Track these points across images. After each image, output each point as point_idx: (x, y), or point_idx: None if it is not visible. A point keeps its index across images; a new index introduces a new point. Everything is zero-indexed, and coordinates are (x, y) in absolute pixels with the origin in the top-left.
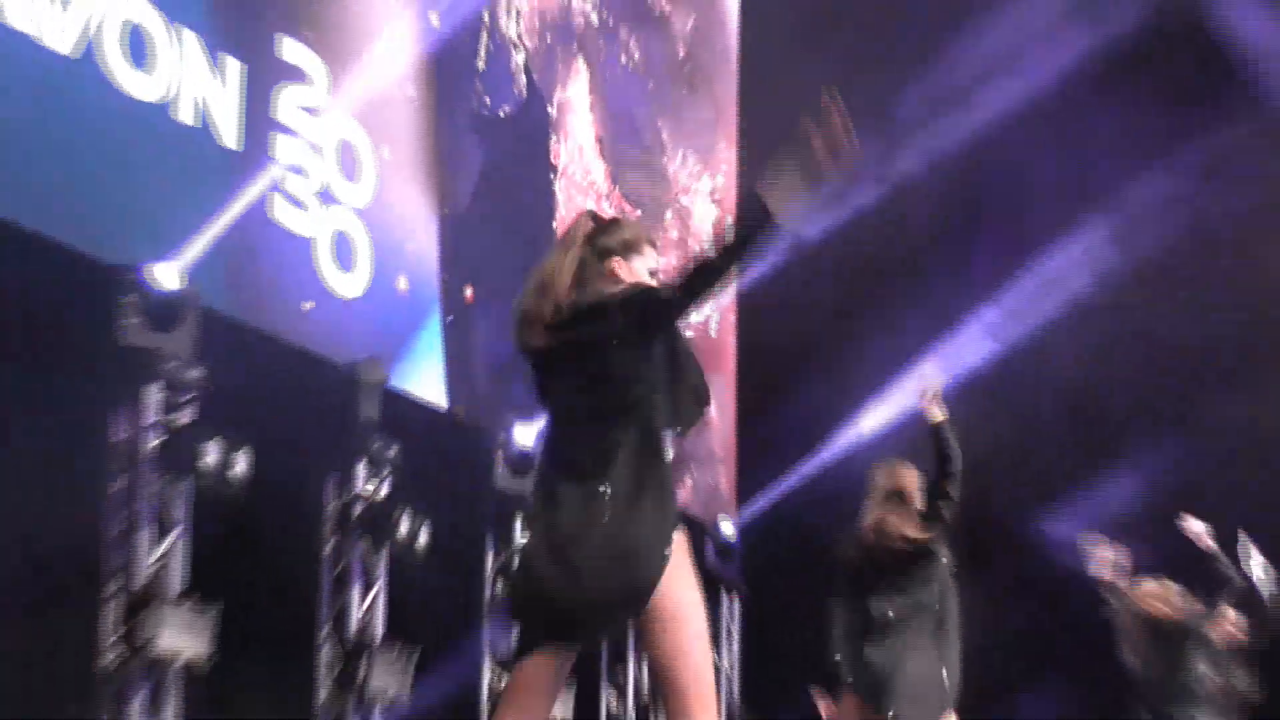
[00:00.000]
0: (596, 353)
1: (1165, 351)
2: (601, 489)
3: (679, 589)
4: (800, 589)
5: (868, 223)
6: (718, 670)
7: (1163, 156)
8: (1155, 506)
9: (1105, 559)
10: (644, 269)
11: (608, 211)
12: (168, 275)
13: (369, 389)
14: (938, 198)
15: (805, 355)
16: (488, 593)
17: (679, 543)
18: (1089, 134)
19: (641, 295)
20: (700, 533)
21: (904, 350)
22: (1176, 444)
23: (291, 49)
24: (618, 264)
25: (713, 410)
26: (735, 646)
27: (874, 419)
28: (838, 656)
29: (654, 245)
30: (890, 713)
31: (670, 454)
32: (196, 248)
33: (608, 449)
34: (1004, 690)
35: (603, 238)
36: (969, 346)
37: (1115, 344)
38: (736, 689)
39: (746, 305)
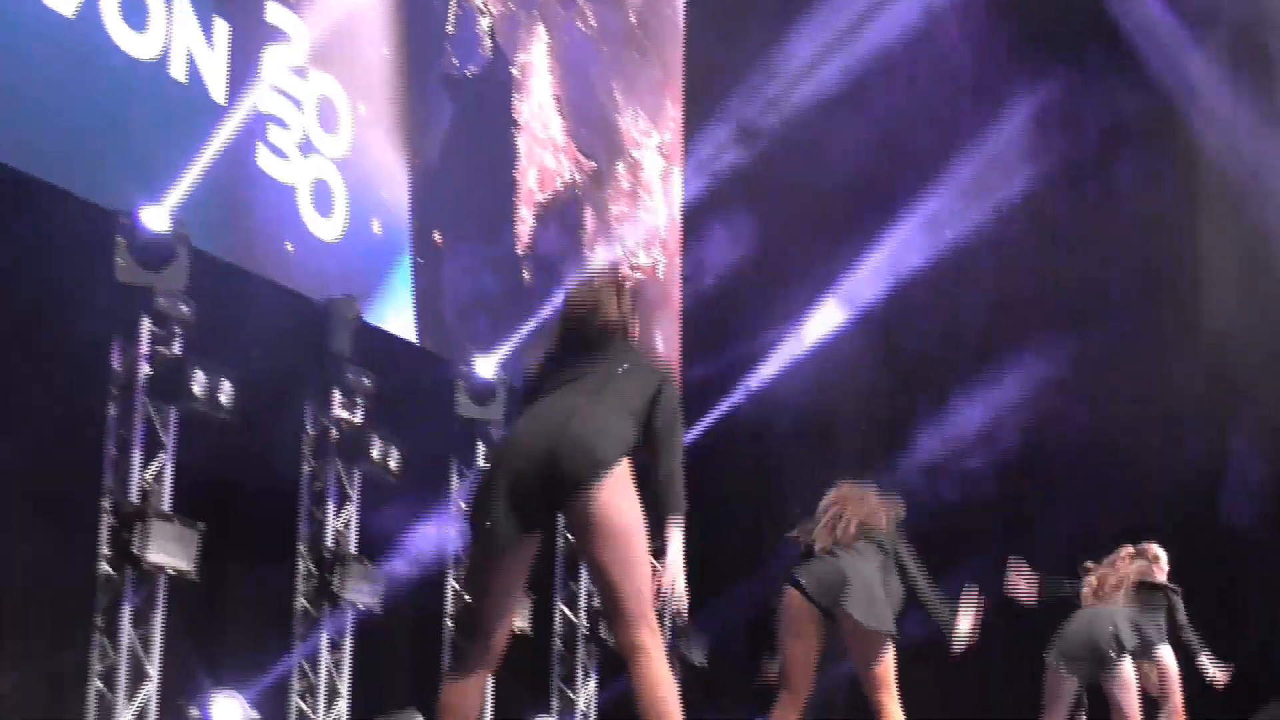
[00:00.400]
0: None
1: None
2: (578, 384)
3: (625, 510)
4: (737, 509)
5: (804, 163)
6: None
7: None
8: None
9: (1018, 584)
10: None
11: (563, 163)
12: (159, 218)
13: (344, 324)
14: (861, 141)
15: (747, 295)
16: (452, 510)
17: (627, 470)
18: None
19: None
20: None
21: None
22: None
23: (276, 12)
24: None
25: (659, 345)
26: None
27: (809, 336)
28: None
29: None
30: (842, 605)
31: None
32: (181, 188)
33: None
34: None
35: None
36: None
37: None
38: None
39: (692, 245)
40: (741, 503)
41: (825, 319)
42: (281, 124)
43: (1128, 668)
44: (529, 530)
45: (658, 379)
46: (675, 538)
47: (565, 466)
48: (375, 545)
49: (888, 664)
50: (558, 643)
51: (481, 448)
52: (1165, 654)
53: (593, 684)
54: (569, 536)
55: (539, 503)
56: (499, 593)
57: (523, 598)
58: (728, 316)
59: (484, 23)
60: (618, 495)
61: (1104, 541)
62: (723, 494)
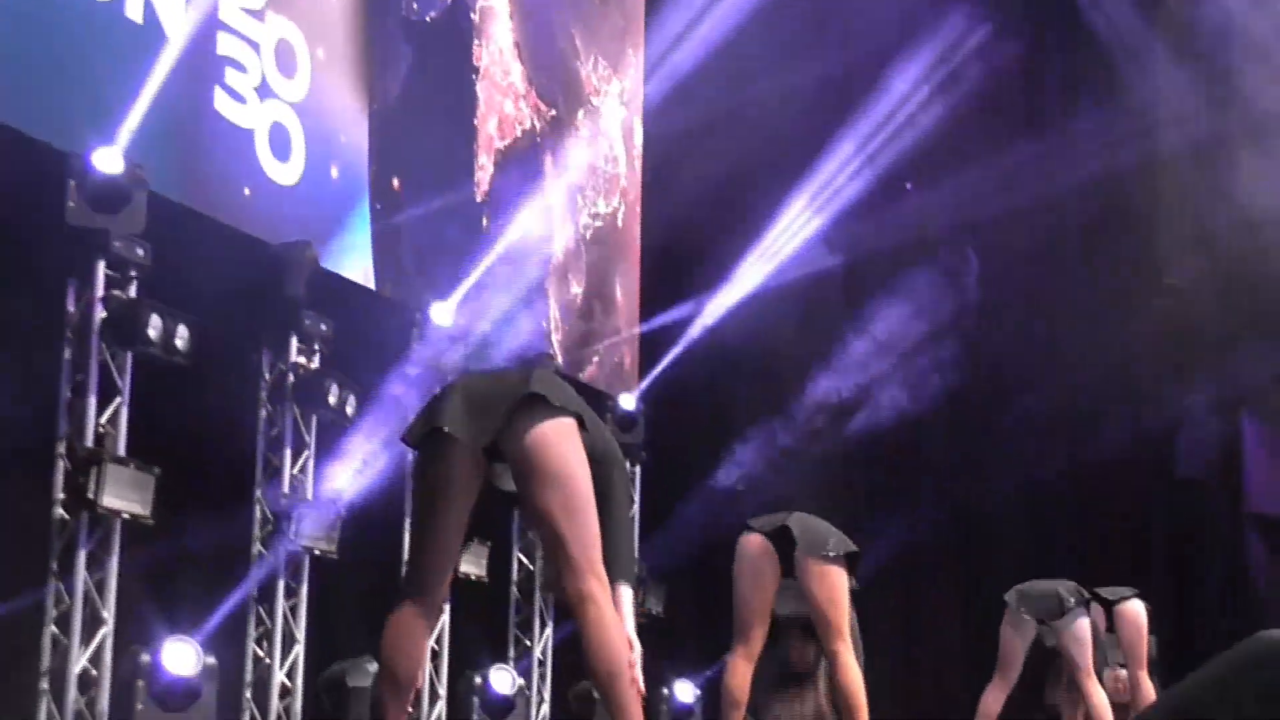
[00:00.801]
0: None
1: None
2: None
3: (571, 458)
4: (695, 458)
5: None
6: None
7: None
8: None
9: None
10: None
11: (523, 111)
12: (112, 160)
13: (301, 269)
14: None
15: (703, 243)
16: (410, 457)
17: (577, 429)
18: None
19: None
20: (604, 406)
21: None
22: None
23: None
24: None
25: (618, 293)
26: (635, 510)
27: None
28: None
29: None
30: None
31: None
32: (129, 125)
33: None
34: None
35: None
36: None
37: None
38: (635, 547)
39: (651, 191)
40: (697, 447)
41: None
42: (239, 67)
43: (1084, 623)
44: (480, 442)
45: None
46: (627, 601)
47: (523, 401)
48: (332, 490)
49: (841, 605)
50: (515, 591)
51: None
52: (1133, 605)
53: (549, 632)
54: None
55: (492, 423)
56: (444, 517)
57: (479, 545)
58: (687, 265)
59: None
60: (566, 442)
61: (1058, 494)
62: (677, 438)
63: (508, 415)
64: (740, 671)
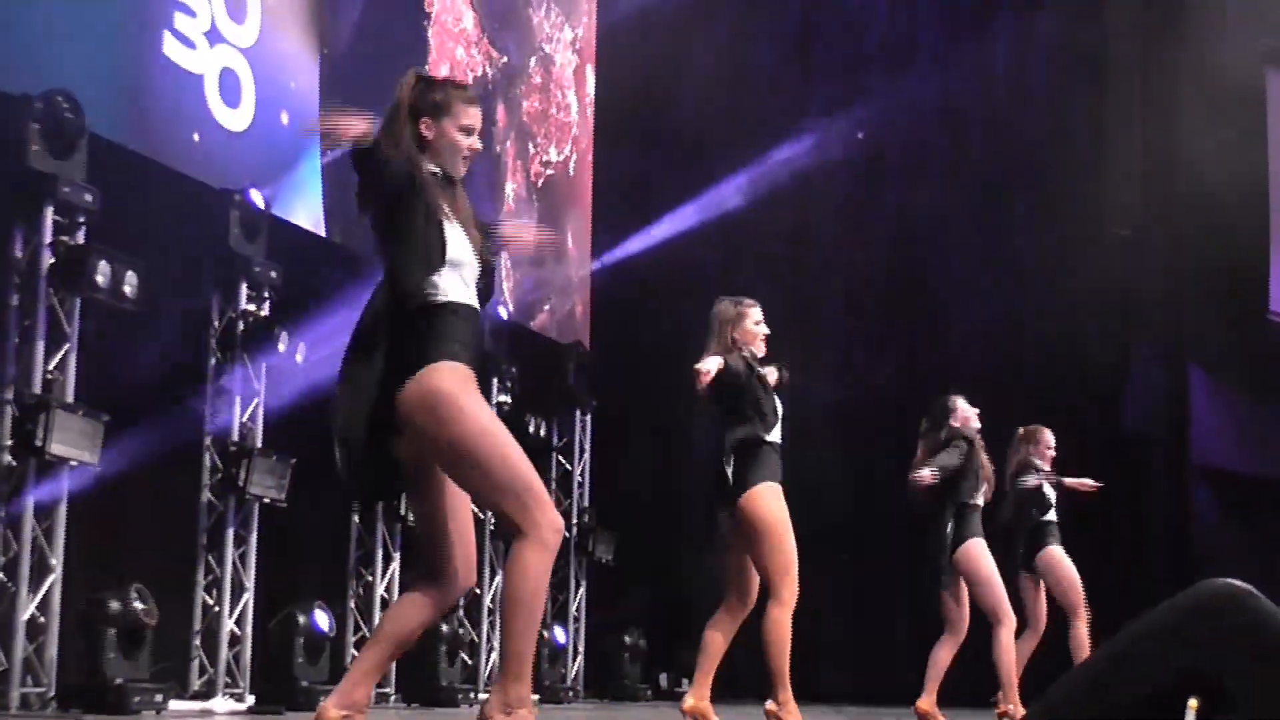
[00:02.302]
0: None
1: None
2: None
3: (460, 426)
4: (643, 404)
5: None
6: (570, 475)
7: None
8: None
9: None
10: (454, 128)
11: (475, 57)
12: (65, 104)
13: (251, 216)
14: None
15: (654, 193)
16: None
17: (446, 386)
18: None
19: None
20: (559, 355)
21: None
22: None
23: None
24: (425, 125)
25: (570, 241)
26: (587, 457)
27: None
28: None
29: (470, 103)
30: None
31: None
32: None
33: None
34: None
35: (417, 99)
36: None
37: None
38: (587, 496)
39: (603, 143)
40: (650, 396)
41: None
42: (189, 12)
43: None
44: None
45: None
46: None
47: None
48: (281, 438)
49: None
50: None
51: None
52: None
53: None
54: None
55: None
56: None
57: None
58: (637, 213)
59: None
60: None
61: (1004, 449)
62: (629, 385)
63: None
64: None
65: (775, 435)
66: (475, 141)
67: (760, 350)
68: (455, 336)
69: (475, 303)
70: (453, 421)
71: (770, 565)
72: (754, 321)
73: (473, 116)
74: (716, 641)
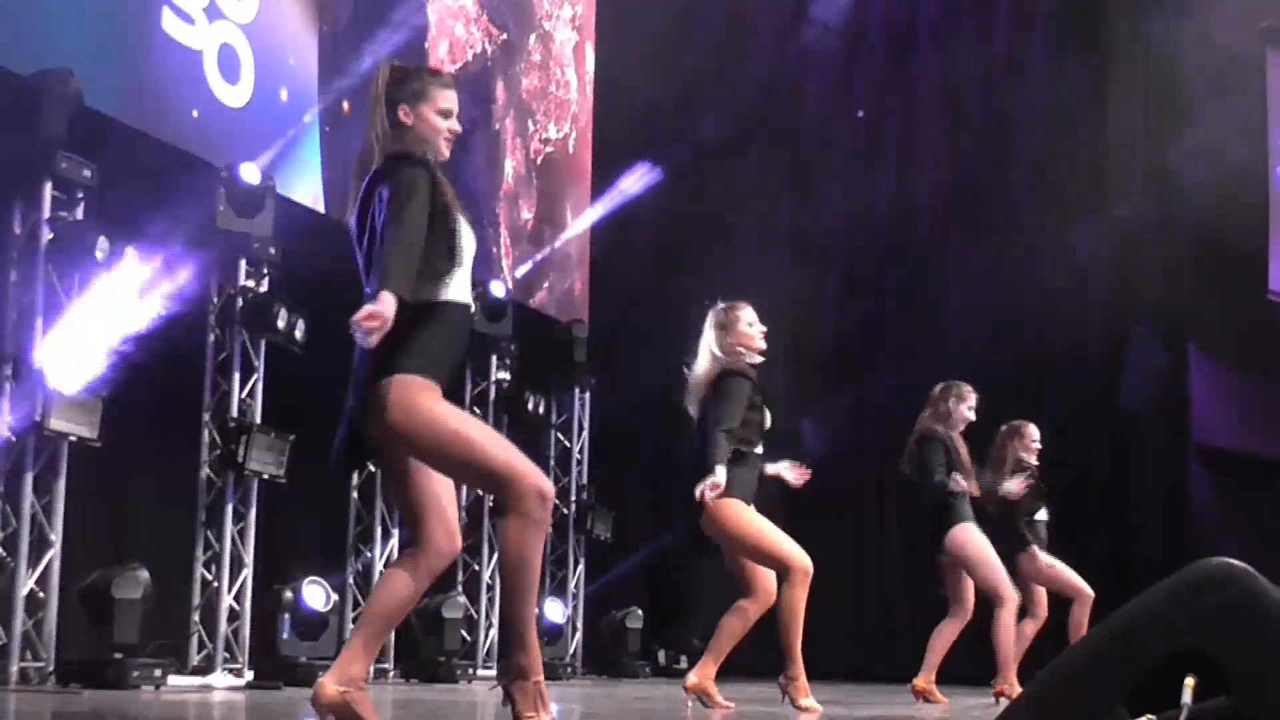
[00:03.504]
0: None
1: None
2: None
3: (424, 419)
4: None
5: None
6: (568, 453)
7: None
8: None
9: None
10: (432, 113)
11: (474, 34)
12: (65, 81)
13: (248, 191)
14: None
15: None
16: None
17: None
18: None
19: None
20: (559, 332)
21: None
22: None
23: None
24: (404, 113)
25: (569, 218)
26: (585, 434)
27: None
28: None
29: (446, 87)
30: None
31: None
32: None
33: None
34: None
35: (393, 89)
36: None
37: None
38: (586, 471)
39: (601, 121)
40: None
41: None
42: None
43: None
44: None
45: None
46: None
47: None
48: (280, 415)
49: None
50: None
51: None
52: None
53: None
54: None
55: None
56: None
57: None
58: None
59: None
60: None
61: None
62: (627, 361)
63: None
64: None
65: (758, 448)
66: (454, 124)
67: (762, 347)
68: (429, 348)
69: (469, 298)
70: (418, 434)
71: (764, 560)
72: (747, 324)
73: (449, 100)
74: (732, 626)
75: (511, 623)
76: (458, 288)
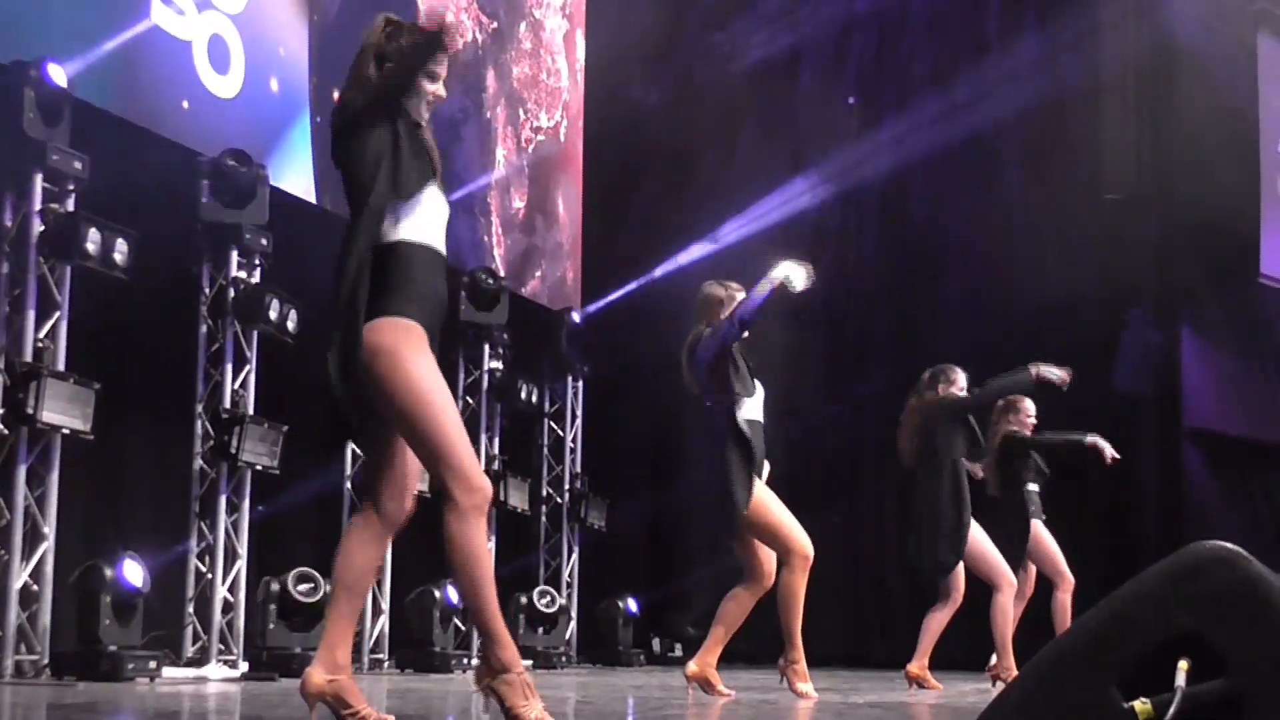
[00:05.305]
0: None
1: None
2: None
3: (397, 386)
4: (633, 371)
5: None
6: (561, 441)
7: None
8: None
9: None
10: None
11: (465, 23)
12: (56, 74)
13: (240, 182)
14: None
15: (647, 161)
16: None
17: (391, 342)
18: None
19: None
20: (551, 321)
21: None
22: None
23: None
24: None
25: (561, 207)
26: (578, 423)
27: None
28: None
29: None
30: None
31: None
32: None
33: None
34: None
35: (384, 43)
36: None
37: None
38: (579, 460)
39: (594, 109)
40: (642, 362)
41: None
42: None
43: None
44: None
45: None
46: None
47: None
48: (273, 406)
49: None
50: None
51: None
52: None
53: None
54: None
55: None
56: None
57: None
58: (630, 178)
59: None
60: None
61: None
62: (626, 350)
63: None
64: None
65: (757, 413)
66: (440, 88)
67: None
68: (406, 288)
69: (440, 246)
70: (391, 381)
71: (767, 539)
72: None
73: (440, 62)
74: (731, 612)
75: (478, 618)
76: (417, 228)
